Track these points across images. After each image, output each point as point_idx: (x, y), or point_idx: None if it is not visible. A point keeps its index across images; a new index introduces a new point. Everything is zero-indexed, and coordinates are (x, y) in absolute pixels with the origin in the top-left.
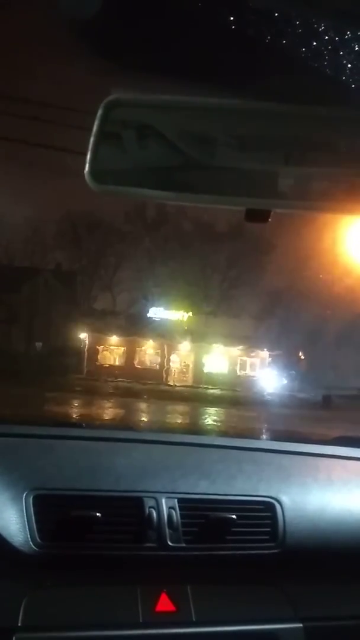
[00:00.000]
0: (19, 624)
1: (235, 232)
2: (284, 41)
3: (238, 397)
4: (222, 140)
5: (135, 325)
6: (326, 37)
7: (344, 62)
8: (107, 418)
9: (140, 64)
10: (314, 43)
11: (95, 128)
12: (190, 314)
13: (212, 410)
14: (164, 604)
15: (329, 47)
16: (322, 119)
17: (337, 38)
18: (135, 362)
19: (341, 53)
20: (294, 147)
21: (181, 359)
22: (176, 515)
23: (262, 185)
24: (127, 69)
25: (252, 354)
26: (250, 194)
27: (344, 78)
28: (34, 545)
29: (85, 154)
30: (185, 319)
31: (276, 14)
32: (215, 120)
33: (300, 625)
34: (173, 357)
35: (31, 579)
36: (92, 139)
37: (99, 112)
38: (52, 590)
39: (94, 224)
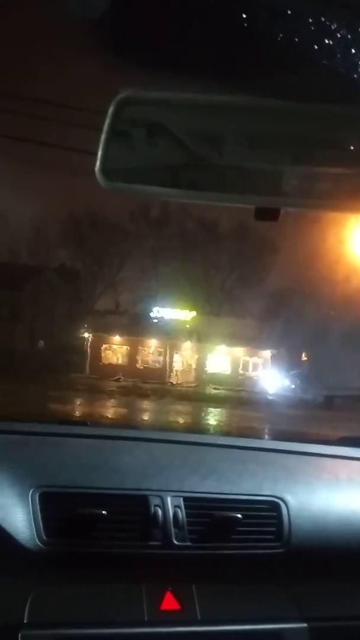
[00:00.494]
0: (25, 621)
1: (239, 233)
2: (296, 39)
3: (241, 397)
4: (231, 139)
5: (138, 325)
6: (338, 35)
7: (356, 59)
8: (111, 416)
9: (150, 62)
10: (326, 40)
11: (106, 126)
12: (193, 313)
13: (215, 410)
14: (169, 602)
15: (341, 44)
16: (331, 117)
17: (349, 35)
18: (138, 362)
19: (353, 51)
20: (302, 145)
21: (184, 358)
22: (182, 513)
23: (270, 184)
24: (138, 67)
25: (255, 354)
26: (257, 192)
27: (355, 76)
28: (39, 542)
29: (91, 153)
30: (188, 318)
31: (288, 12)
32: (224, 119)
33: (305, 625)
34: (176, 357)
35: (37, 576)
36: (102, 137)
37: (110, 110)
38: (58, 588)
39: (98, 223)
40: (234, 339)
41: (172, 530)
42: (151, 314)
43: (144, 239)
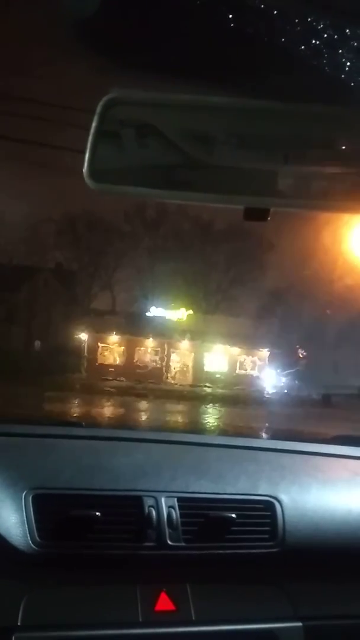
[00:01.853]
0: (19, 623)
1: (235, 232)
2: (283, 39)
3: (238, 396)
4: (222, 139)
5: (134, 325)
6: (325, 35)
7: (344, 60)
8: (106, 417)
9: (139, 63)
10: (314, 41)
11: (93, 127)
12: (190, 312)
13: (211, 409)
14: (164, 603)
15: (329, 45)
16: (322, 117)
17: (336, 36)
18: (135, 361)
19: (340, 51)
20: (293, 145)
21: (181, 358)
22: (176, 514)
23: (262, 184)
24: (126, 68)
25: (252, 353)
26: (249, 193)
27: (343, 77)
28: (33, 544)
29: (84, 153)
30: (185, 318)
31: (275, 12)
32: (215, 119)
33: (300, 624)
34: (173, 356)
35: (31, 578)
36: (90, 138)
37: (98, 111)
38: (52, 590)
39: (94, 223)
40: (231, 338)
41: (167, 530)
42: (147, 314)
43: (140, 238)
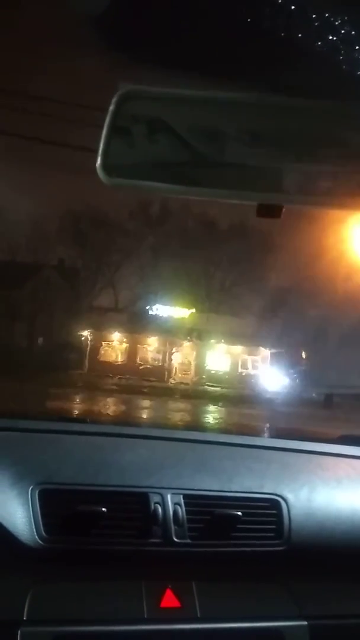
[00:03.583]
0: (24, 618)
1: (239, 230)
2: (299, 35)
3: (240, 395)
4: (232, 135)
5: (137, 322)
6: (342, 31)
7: (358, 56)
8: (110, 414)
9: (151, 58)
10: (330, 37)
11: (107, 122)
12: (192, 311)
13: (214, 407)
14: (169, 599)
15: (345, 41)
16: (334, 114)
17: (353, 32)
18: (137, 359)
19: (357, 47)
20: (304, 142)
21: (183, 356)
22: (182, 511)
23: (272, 181)
24: (139, 63)
25: (255, 352)
26: (259, 189)
27: (358, 73)
28: (39, 539)
29: (91, 150)
30: (187, 316)
31: (291, 8)
32: (226, 115)
33: (305, 622)
34: (175, 355)
35: (36, 573)
36: (103, 133)
37: (111, 106)
38: (57, 585)
39: (97, 221)
40: (234, 336)
41: (172, 527)
42: (150, 312)
43: (144, 236)
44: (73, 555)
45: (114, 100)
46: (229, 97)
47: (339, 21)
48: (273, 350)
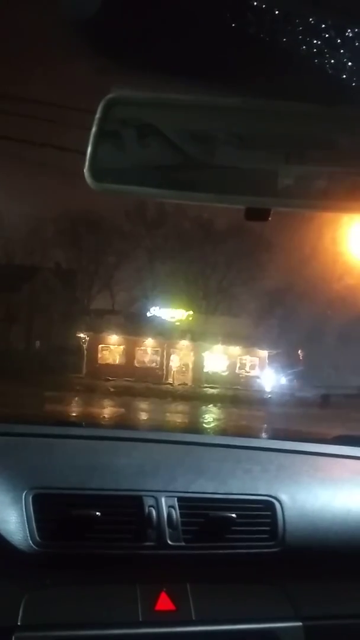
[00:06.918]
0: (19, 623)
1: (235, 231)
2: (284, 39)
3: (237, 396)
4: (223, 139)
5: (134, 325)
6: (326, 35)
7: (345, 60)
8: (106, 417)
9: (139, 62)
10: (315, 41)
11: (94, 126)
12: (190, 313)
13: (211, 409)
14: (164, 602)
15: (330, 45)
16: (323, 117)
17: (337, 36)
18: (135, 361)
19: (342, 51)
20: (294, 145)
21: (181, 358)
22: (176, 514)
23: (263, 184)
24: (127, 67)
25: (252, 353)
26: (250, 193)
27: (344, 76)
28: (33, 544)
29: (84, 153)
30: (184, 318)
31: (276, 12)
32: (216, 119)
33: (300, 624)
34: (172, 357)
35: (31, 578)
36: (91, 137)
37: (99, 110)
38: (52, 589)
39: (94, 223)
40: (231, 338)
41: (167, 530)
42: (148, 314)
43: (140, 238)
44: (67, 559)
45: (101, 104)
46: (218, 101)
47: (323, 25)
48: (270, 351)
